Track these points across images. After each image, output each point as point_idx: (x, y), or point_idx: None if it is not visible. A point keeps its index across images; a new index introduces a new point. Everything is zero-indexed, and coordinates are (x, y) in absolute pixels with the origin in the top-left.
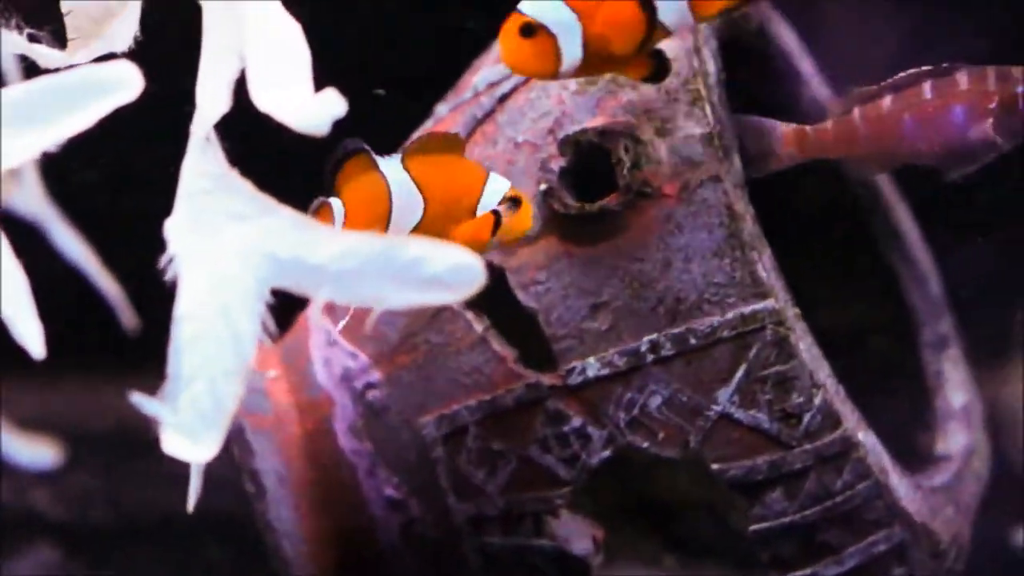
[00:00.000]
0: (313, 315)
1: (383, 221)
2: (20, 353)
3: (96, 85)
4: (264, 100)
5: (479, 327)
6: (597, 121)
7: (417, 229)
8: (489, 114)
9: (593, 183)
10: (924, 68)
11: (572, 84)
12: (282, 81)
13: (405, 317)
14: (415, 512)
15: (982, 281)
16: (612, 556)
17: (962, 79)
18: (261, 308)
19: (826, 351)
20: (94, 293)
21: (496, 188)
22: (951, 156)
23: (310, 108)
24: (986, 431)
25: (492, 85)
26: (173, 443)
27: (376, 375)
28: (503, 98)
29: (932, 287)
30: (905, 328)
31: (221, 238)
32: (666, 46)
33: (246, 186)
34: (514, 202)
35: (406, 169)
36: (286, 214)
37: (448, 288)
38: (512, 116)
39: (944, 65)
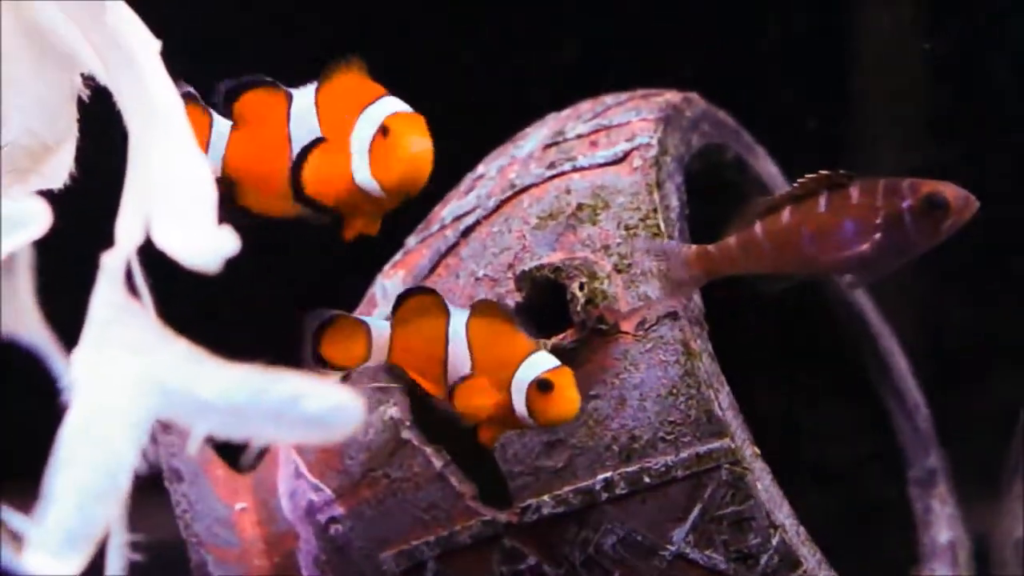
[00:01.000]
0: (282, 448)
1: (439, 365)
2: None
3: (6, 221)
4: (162, 238)
5: (438, 463)
6: (556, 256)
7: (464, 383)
8: (453, 247)
9: (555, 319)
10: (823, 173)
11: (533, 219)
12: (183, 220)
13: (367, 451)
14: None
15: (974, 414)
16: None
17: (854, 192)
18: (144, 438)
19: (814, 483)
20: None
21: (535, 363)
22: (847, 269)
23: (204, 246)
24: (972, 568)
25: (457, 218)
26: (36, 561)
27: (339, 509)
28: (467, 231)
29: (920, 421)
30: (894, 461)
31: (116, 367)
32: (627, 180)
33: (148, 318)
34: (543, 385)
35: (467, 328)
36: (180, 347)
37: (326, 427)
38: (475, 250)
39: (841, 172)
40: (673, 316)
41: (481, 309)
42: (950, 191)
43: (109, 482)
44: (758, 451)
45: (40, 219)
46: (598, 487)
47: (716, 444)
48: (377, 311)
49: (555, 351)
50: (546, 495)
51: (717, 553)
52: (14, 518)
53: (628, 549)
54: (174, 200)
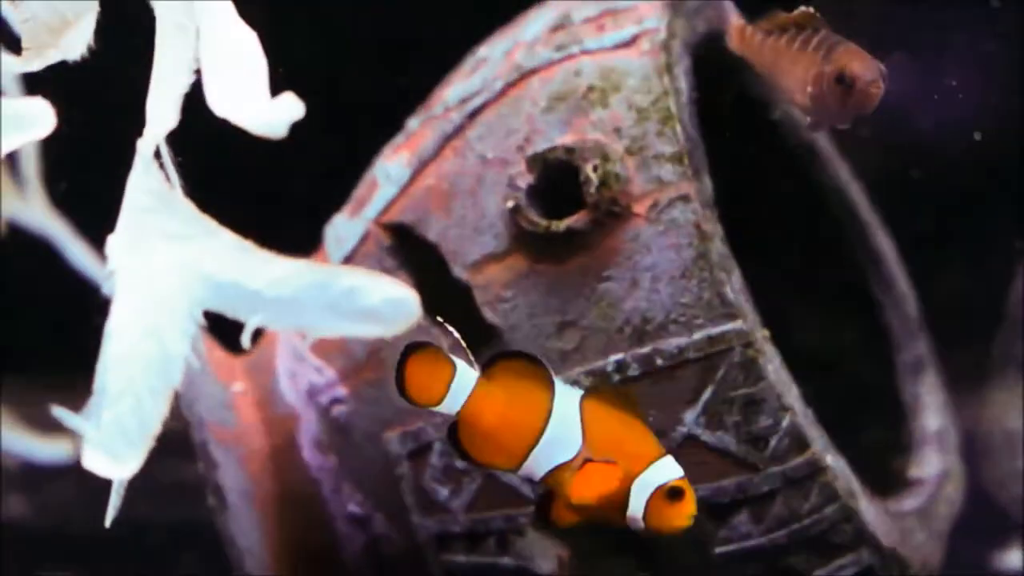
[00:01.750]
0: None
1: (530, 437)
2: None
3: (11, 120)
4: (222, 106)
5: (445, 344)
6: (567, 138)
7: (595, 466)
8: (459, 129)
9: (565, 201)
10: (799, 11)
11: (543, 101)
12: (239, 87)
13: None
14: (379, 529)
15: (961, 304)
16: None
17: (812, 41)
18: (193, 329)
19: (802, 374)
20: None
21: (666, 467)
22: (801, 109)
23: (267, 112)
24: (962, 456)
25: (463, 101)
26: (93, 459)
27: (342, 391)
28: (474, 113)
29: (909, 309)
30: (882, 351)
31: (158, 257)
32: (637, 63)
33: (188, 206)
34: (673, 493)
35: (581, 407)
36: (226, 237)
37: (382, 321)
38: (482, 132)
39: (816, 16)
40: (685, 199)
41: (602, 393)
42: (858, 68)
43: (162, 378)
44: (768, 333)
45: (46, 119)
46: (610, 369)
47: (728, 326)
48: (378, 192)
49: (569, 233)
50: (557, 376)
51: (728, 435)
52: (67, 415)
53: None
54: (231, 72)
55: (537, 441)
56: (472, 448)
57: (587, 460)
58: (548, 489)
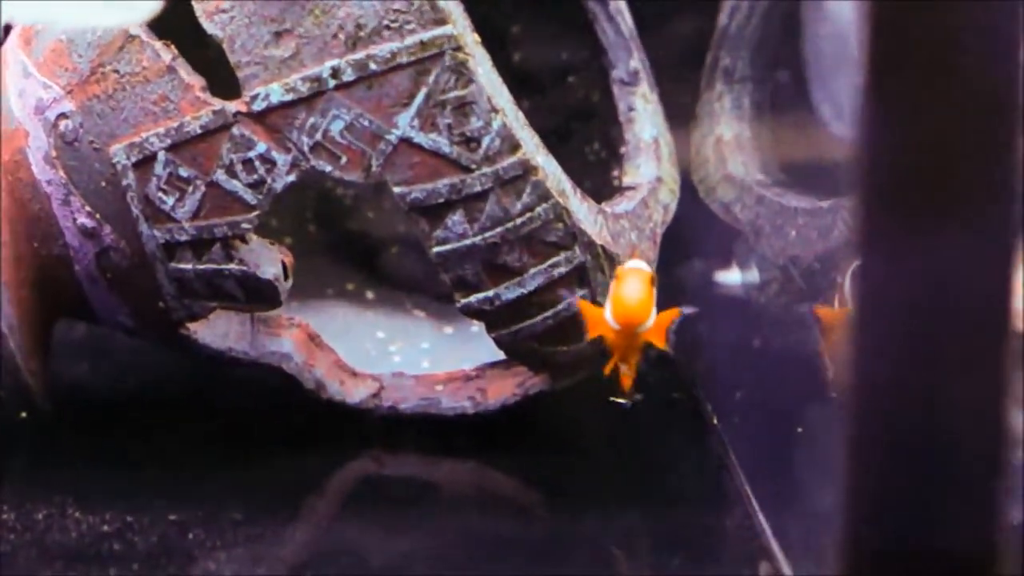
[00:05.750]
0: (8, 47)
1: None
2: None
3: None
4: None
5: (167, 56)
6: None
7: None
8: None
9: None
10: None
11: None
12: None
13: (96, 47)
14: (109, 240)
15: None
16: (317, 292)
17: None
18: None
19: (524, 88)
20: None
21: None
22: None
23: None
24: (676, 164)
25: None
26: None
27: (69, 105)
28: None
29: (623, 25)
30: (602, 67)
31: None
32: None
33: None
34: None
35: None
36: None
37: (128, 7)
38: None
39: None
40: None
41: None
42: None
43: None
44: (478, 39)
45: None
46: (325, 74)
47: (439, 31)
48: None
49: None
50: (275, 83)
51: (441, 136)
52: None
53: (355, 134)
54: None
55: None
56: None
57: None
58: None
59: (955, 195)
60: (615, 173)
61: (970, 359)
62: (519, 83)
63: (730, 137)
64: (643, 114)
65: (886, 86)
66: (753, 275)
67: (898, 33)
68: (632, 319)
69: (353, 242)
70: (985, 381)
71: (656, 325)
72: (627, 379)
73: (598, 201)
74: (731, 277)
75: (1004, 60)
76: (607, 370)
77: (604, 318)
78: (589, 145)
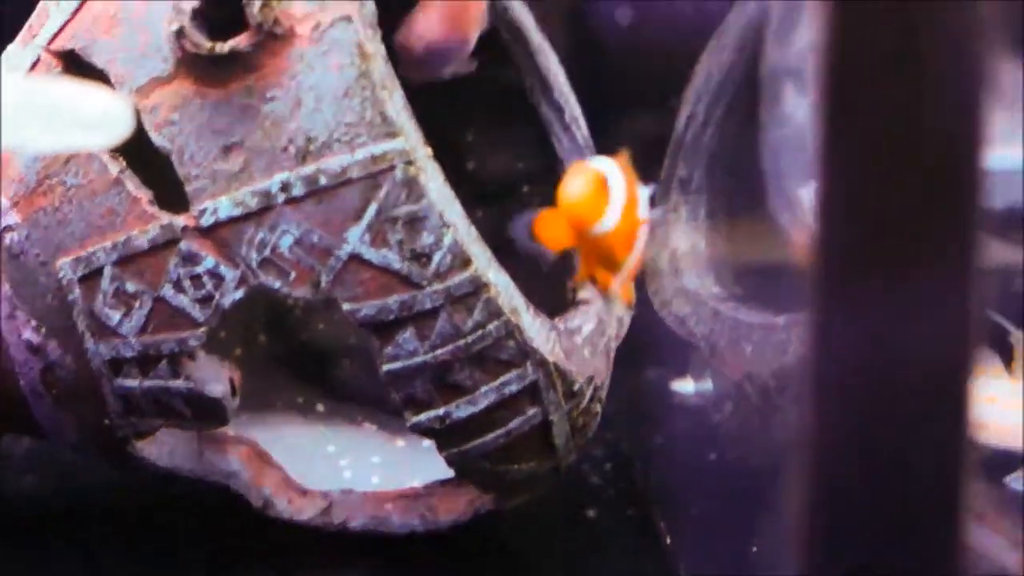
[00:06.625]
0: None
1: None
2: None
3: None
4: None
5: (114, 169)
6: None
7: None
8: None
9: (234, 24)
10: None
11: None
12: None
13: (42, 160)
14: (54, 356)
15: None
16: (267, 405)
17: None
18: None
19: (478, 198)
20: None
21: None
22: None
23: None
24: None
25: None
26: None
27: (15, 218)
28: None
29: (578, 134)
30: (557, 177)
31: None
32: None
33: None
34: None
35: None
36: None
37: (97, 130)
38: None
39: None
40: (347, 19)
41: None
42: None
43: None
44: (431, 152)
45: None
46: (275, 188)
47: (390, 145)
48: (49, 20)
49: (234, 55)
50: (223, 197)
51: (392, 252)
52: None
53: (304, 249)
54: None
55: None
56: None
57: None
58: None
59: (914, 257)
60: (569, 285)
61: (928, 425)
62: (473, 192)
63: (686, 249)
64: None
65: (843, 149)
66: (707, 385)
67: (856, 101)
68: (573, 215)
69: (304, 354)
70: (944, 448)
71: (622, 231)
72: (625, 291)
73: (552, 313)
74: (685, 387)
75: (965, 127)
76: (577, 280)
77: (559, 221)
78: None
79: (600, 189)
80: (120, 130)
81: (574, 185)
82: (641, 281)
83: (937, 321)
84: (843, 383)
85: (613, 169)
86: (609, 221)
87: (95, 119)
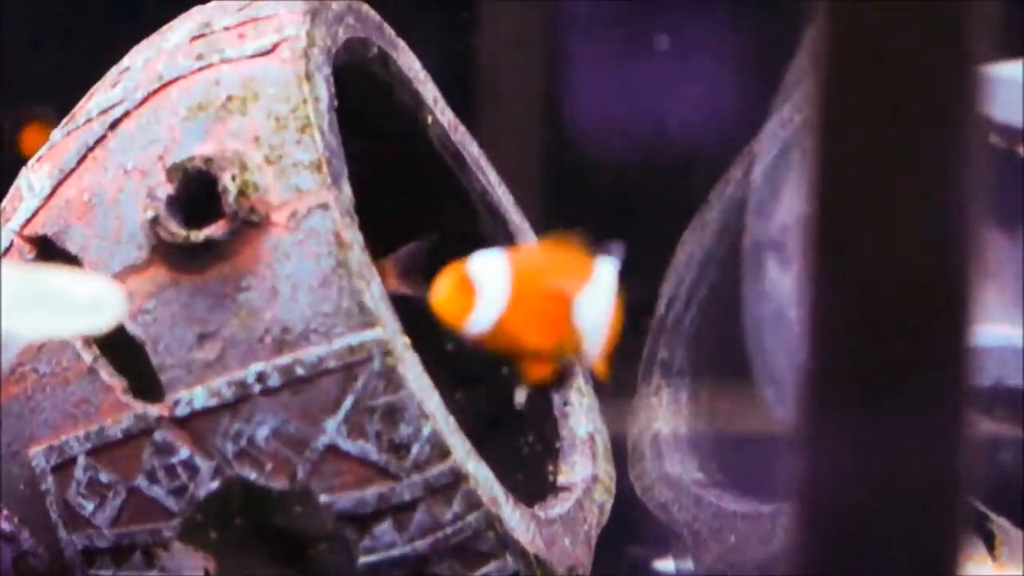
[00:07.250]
0: None
1: None
2: None
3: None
4: None
5: (88, 357)
6: (206, 148)
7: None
8: (100, 140)
9: (208, 212)
10: None
11: (182, 110)
12: None
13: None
14: (27, 545)
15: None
16: None
17: None
18: None
19: (456, 379)
20: None
21: None
22: None
23: None
24: (612, 461)
25: (104, 111)
26: None
27: None
28: (115, 123)
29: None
30: None
31: None
32: (277, 71)
33: None
34: None
35: None
36: None
37: (90, 316)
38: (123, 142)
39: None
40: (324, 207)
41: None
42: None
43: None
44: (408, 341)
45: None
46: (251, 379)
47: (368, 335)
48: (22, 204)
49: (209, 243)
50: (198, 387)
51: (369, 443)
52: None
53: (280, 440)
54: None
55: None
56: None
57: None
58: None
59: (904, 369)
60: (549, 468)
61: (920, 540)
62: (451, 374)
63: (667, 433)
64: (578, 408)
65: (830, 260)
66: (689, 566)
67: (843, 208)
68: (440, 317)
69: (280, 537)
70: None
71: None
72: (599, 368)
73: (531, 497)
74: (667, 567)
75: (953, 233)
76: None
77: None
78: (523, 438)
79: (463, 291)
80: (113, 314)
81: (436, 288)
82: (623, 463)
83: (927, 450)
84: (826, 524)
85: (492, 267)
86: (481, 321)
87: (88, 304)
